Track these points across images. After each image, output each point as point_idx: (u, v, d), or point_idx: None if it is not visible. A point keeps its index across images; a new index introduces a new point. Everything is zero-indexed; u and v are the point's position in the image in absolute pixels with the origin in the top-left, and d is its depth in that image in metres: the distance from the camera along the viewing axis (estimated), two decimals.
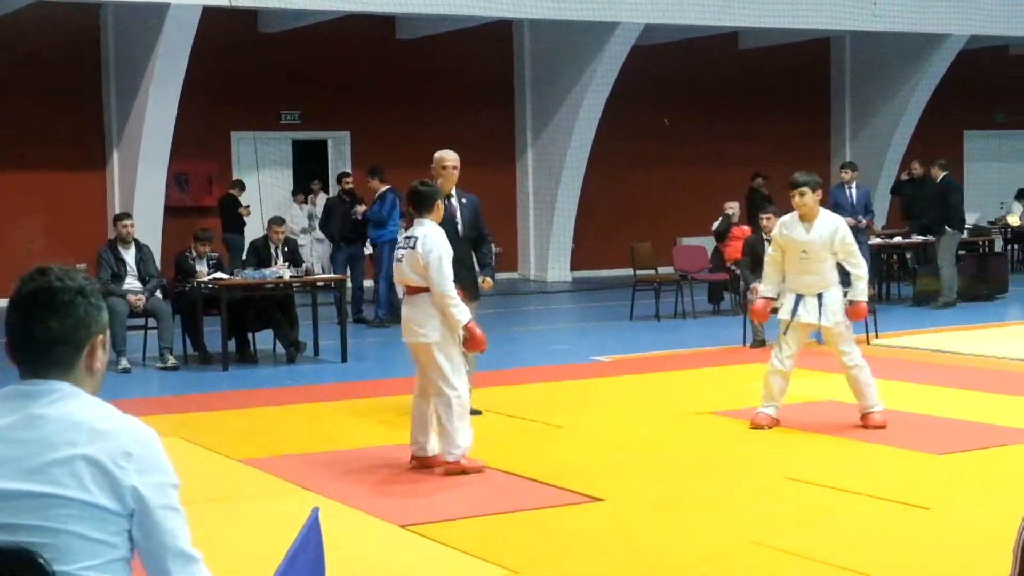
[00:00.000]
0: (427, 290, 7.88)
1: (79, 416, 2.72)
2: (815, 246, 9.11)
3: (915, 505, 6.98)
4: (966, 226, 20.39)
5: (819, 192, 9.21)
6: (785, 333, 9.24)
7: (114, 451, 2.69)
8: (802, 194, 9.16)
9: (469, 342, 8.01)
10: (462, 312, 7.90)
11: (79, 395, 2.76)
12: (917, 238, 17.99)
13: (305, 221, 20.86)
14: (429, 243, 7.89)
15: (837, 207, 15.96)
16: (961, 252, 19.95)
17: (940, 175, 17.75)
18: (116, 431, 2.72)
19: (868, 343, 13.68)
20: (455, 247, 9.51)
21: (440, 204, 8.23)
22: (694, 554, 6.20)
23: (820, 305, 9.07)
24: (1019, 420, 9.26)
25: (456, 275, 9.56)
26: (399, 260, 8.02)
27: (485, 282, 10.14)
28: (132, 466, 2.70)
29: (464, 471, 7.90)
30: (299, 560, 3.22)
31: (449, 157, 9.85)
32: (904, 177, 21.18)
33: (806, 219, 9.17)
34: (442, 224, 8.86)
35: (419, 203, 8.12)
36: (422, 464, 8.12)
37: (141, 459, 2.71)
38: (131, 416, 2.79)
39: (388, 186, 16.38)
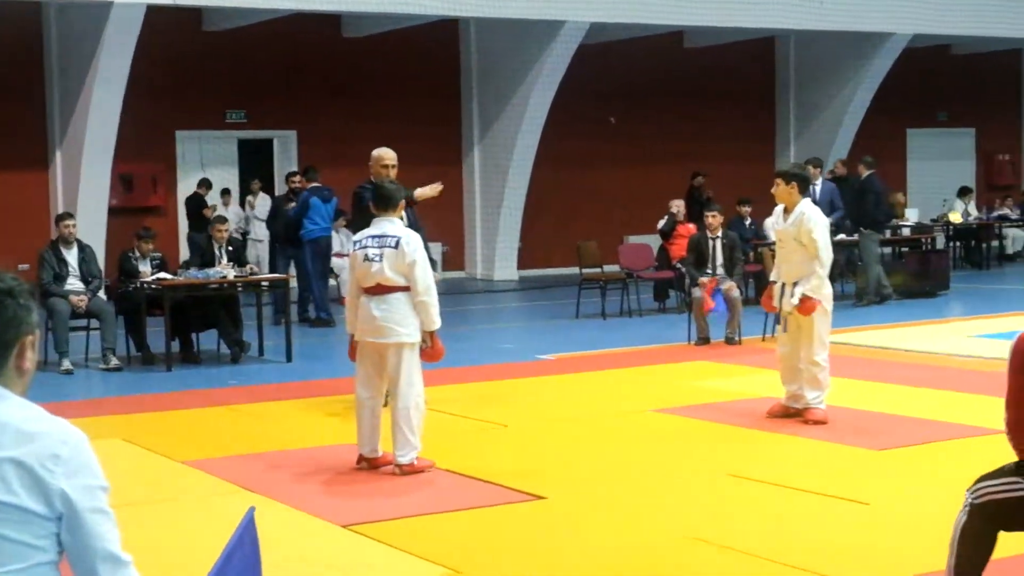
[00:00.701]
0: (405, 289, 7.87)
1: (6, 418, 2.70)
2: (785, 236, 9.35)
3: (855, 500, 7.04)
4: (905, 224, 20.55)
5: (794, 184, 9.32)
6: (778, 322, 9.53)
7: (42, 454, 2.67)
8: (776, 184, 9.43)
9: (430, 351, 8.01)
10: (439, 316, 7.93)
11: (7, 397, 2.74)
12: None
13: (232, 224, 20.48)
14: (414, 243, 7.91)
15: None
16: (904, 249, 20.17)
17: (865, 173, 17.84)
18: (44, 433, 2.70)
19: None
20: None
21: (403, 203, 8.22)
22: (634, 551, 6.23)
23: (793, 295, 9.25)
24: (958, 416, 9.36)
25: None
26: (374, 259, 7.91)
27: None
28: (60, 469, 2.67)
29: (420, 471, 7.92)
30: (234, 560, 3.21)
31: (387, 156, 9.86)
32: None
33: (787, 210, 9.36)
34: None
35: (385, 202, 8.10)
36: (372, 465, 8.11)
37: (69, 461, 2.69)
38: (60, 418, 2.77)
39: (310, 186, 16.33)
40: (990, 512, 4.62)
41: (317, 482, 7.87)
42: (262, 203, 20.25)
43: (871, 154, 18.85)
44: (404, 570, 6.06)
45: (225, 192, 21.17)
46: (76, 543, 2.70)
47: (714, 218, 14.56)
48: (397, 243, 7.87)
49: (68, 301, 12.81)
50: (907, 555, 6.06)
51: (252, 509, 3.44)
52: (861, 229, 17.49)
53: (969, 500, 4.71)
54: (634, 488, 7.52)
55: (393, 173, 9.79)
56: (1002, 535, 4.73)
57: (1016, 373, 4.60)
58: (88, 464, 2.73)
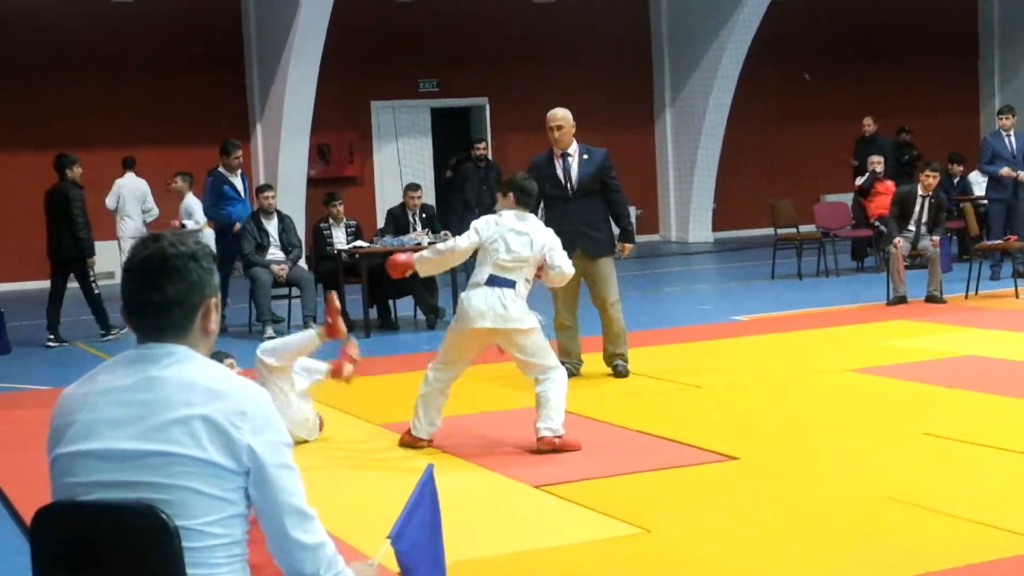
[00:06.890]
0: None
1: (195, 377, 2.81)
2: None
3: None
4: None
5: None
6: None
7: (229, 411, 2.77)
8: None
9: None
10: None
11: (194, 357, 2.85)
12: None
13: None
14: None
15: (996, 157, 15.44)
16: None
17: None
18: (231, 391, 2.81)
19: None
20: (566, 207, 9.49)
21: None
22: (830, 510, 6.14)
23: None
24: None
25: (575, 239, 9.22)
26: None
27: (624, 249, 10.02)
28: (247, 425, 2.78)
29: None
30: (415, 516, 3.29)
31: (552, 117, 9.72)
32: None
33: None
34: (549, 183, 9.34)
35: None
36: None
37: (255, 418, 2.79)
38: (244, 377, 2.88)
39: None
40: None
41: (510, 443, 7.94)
42: (189, 196, 16.04)
43: None
44: (595, 528, 6.08)
45: (186, 174, 16.23)
46: (264, 498, 2.80)
47: (934, 178, 14.09)
48: None
49: (269, 270, 13.17)
50: None
51: (431, 467, 3.51)
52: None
53: None
54: (827, 448, 7.41)
55: (558, 134, 9.65)
56: None
57: None
58: (272, 421, 2.83)
